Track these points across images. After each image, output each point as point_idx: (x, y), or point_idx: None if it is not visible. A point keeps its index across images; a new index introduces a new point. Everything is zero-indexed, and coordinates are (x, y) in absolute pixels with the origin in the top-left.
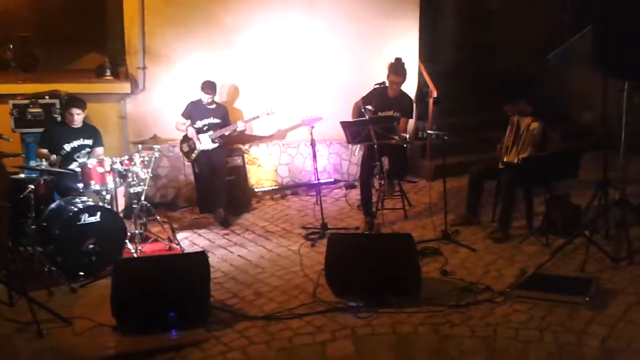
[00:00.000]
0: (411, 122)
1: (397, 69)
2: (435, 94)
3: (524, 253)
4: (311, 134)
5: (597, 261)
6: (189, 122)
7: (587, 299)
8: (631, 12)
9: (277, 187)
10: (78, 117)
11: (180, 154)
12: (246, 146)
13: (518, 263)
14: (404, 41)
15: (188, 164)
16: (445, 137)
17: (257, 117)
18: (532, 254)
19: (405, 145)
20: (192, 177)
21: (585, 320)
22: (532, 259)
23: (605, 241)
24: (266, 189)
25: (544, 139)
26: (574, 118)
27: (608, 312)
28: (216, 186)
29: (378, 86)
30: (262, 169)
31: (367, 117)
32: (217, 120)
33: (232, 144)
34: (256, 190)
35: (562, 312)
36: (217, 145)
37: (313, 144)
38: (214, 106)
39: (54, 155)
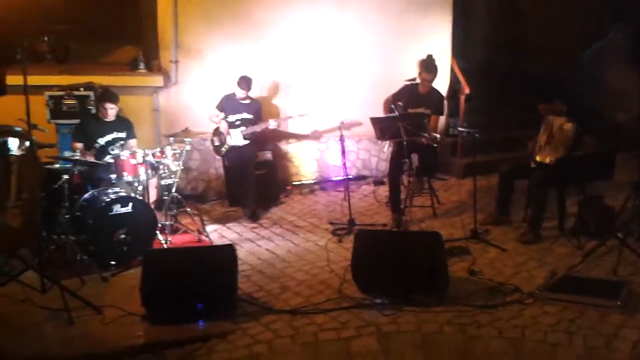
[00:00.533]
0: (442, 119)
1: (429, 66)
2: (467, 91)
3: (555, 254)
4: (341, 130)
5: (630, 264)
6: (222, 114)
7: (618, 302)
8: None
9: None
10: (111, 111)
11: (211, 147)
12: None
13: (549, 264)
14: (436, 37)
15: (218, 157)
16: (477, 135)
17: (291, 117)
18: (564, 255)
19: (435, 145)
20: (222, 171)
21: (615, 324)
22: (563, 261)
23: (639, 244)
24: (297, 182)
25: (577, 140)
26: (608, 117)
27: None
28: (245, 183)
29: (409, 82)
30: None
31: (397, 113)
32: (249, 116)
33: (266, 139)
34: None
35: (592, 315)
36: (247, 142)
37: (342, 139)
38: (247, 101)
39: (88, 152)
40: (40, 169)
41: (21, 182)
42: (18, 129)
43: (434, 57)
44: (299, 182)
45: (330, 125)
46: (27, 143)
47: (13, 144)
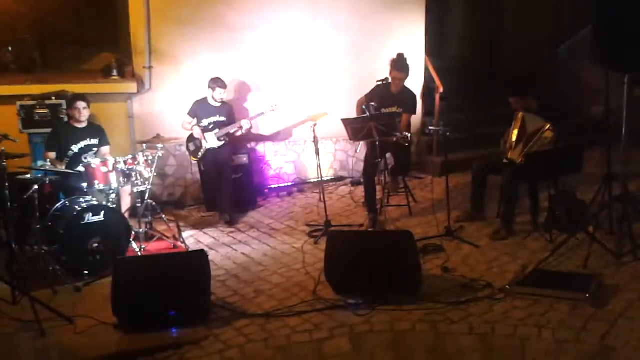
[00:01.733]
0: (418, 118)
1: (399, 65)
2: (441, 90)
3: (528, 249)
4: (314, 131)
5: (601, 257)
6: (195, 121)
7: (587, 295)
8: (629, 5)
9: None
10: (84, 111)
11: (187, 153)
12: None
13: (521, 259)
14: (410, 36)
15: (195, 162)
16: (447, 134)
17: (262, 113)
18: (536, 250)
19: (407, 144)
20: (199, 176)
21: (585, 317)
22: (535, 255)
23: (610, 237)
24: (275, 185)
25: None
26: (584, 112)
27: (609, 308)
28: (222, 187)
29: (381, 83)
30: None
31: (368, 114)
32: (222, 118)
33: (238, 143)
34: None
35: (562, 308)
36: (223, 143)
37: (316, 141)
38: (219, 104)
39: (60, 161)
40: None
41: None
42: None
43: (405, 55)
44: (275, 185)
45: (304, 126)
46: None
47: None
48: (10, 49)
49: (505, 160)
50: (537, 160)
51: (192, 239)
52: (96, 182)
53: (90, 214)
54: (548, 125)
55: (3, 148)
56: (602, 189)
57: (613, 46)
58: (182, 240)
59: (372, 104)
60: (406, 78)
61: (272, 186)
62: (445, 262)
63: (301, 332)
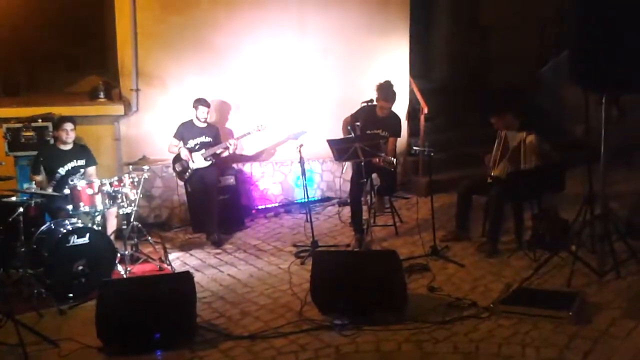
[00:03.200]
0: (403, 139)
1: (387, 94)
2: (426, 111)
3: (512, 268)
4: (300, 151)
5: (584, 275)
6: (181, 143)
7: (570, 313)
8: (605, 27)
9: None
10: (71, 132)
11: (174, 174)
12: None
13: (505, 278)
14: (394, 58)
15: (181, 184)
16: (432, 154)
17: (248, 133)
18: (520, 268)
19: (393, 169)
20: (185, 197)
21: (568, 335)
22: (519, 274)
23: (592, 255)
24: (262, 207)
25: (543, 147)
26: (567, 131)
27: (592, 326)
28: (208, 208)
29: (365, 104)
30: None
31: (353, 134)
32: (208, 139)
33: (225, 164)
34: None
35: (546, 326)
36: (210, 163)
37: (302, 161)
38: (205, 125)
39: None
40: None
41: None
42: None
43: (391, 82)
44: (263, 207)
45: (291, 147)
46: None
47: None
48: None
49: (489, 180)
50: (521, 179)
51: (179, 260)
52: (81, 204)
53: (76, 237)
54: (525, 132)
55: None
56: (583, 208)
57: (590, 66)
58: (168, 262)
59: (357, 124)
60: (392, 105)
61: (260, 207)
62: (431, 281)
63: (287, 354)
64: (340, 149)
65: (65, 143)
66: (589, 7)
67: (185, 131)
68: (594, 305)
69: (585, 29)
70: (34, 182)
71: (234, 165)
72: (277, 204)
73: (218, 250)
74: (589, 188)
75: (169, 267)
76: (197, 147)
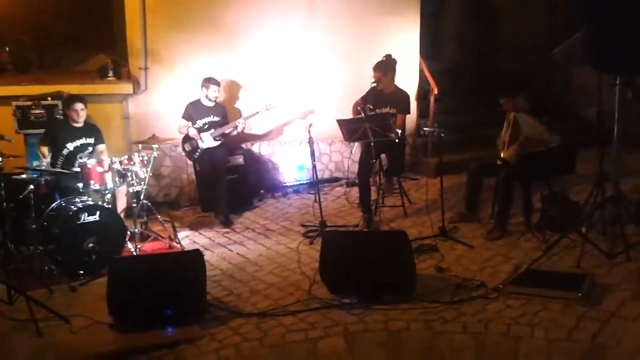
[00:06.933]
0: (412, 120)
1: (377, 65)
2: (436, 92)
3: (521, 249)
4: (309, 132)
5: (594, 257)
6: (189, 123)
7: (579, 294)
8: (619, 7)
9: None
10: (82, 112)
11: (183, 153)
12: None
13: (514, 259)
14: (404, 38)
15: (190, 163)
16: (442, 135)
17: (257, 112)
18: (529, 250)
19: (397, 141)
20: (194, 176)
21: (577, 316)
22: (528, 256)
23: (602, 237)
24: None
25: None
26: (578, 114)
27: (601, 307)
28: (217, 188)
29: (375, 84)
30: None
31: (363, 115)
32: (217, 118)
33: (233, 143)
34: None
35: (555, 307)
36: (219, 143)
37: (311, 142)
38: (213, 104)
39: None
40: None
41: None
42: None
43: (391, 56)
44: (272, 186)
45: (299, 128)
46: None
47: None
48: (7, 49)
49: (498, 161)
50: (531, 161)
51: (188, 239)
52: (92, 182)
53: (86, 214)
54: (543, 127)
55: None
56: (594, 190)
57: (604, 48)
58: (177, 240)
59: (369, 105)
60: (384, 77)
61: (288, 184)
62: (439, 262)
63: (296, 331)
64: (350, 129)
65: (76, 122)
66: None
67: (193, 111)
68: (603, 286)
69: (599, 10)
70: (43, 158)
71: (243, 145)
72: (285, 184)
73: (227, 229)
74: (600, 170)
75: (179, 245)
76: (206, 127)
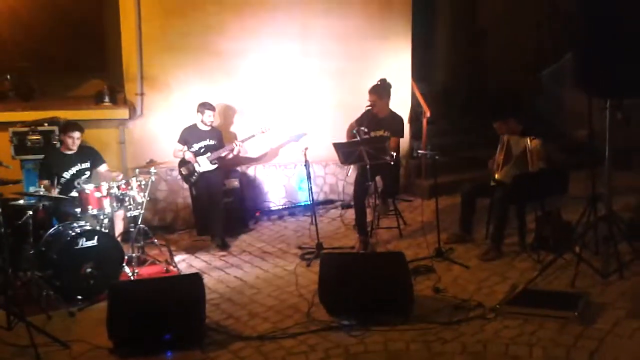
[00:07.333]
0: (405, 142)
1: (372, 88)
2: (428, 114)
3: (517, 269)
4: (305, 154)
5: (588, 276)
6: (185, 147)
7: (575, 313)
8: (609, 32)
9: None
10: (77, 140)
11: (179, 177)
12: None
13: (510, 279)
14: (396, 62)
15: (186, 187)
16: (436, 157)
17: (253, 136)
18: (524, 270)
19: (392, 163)
20: (189, 200)
21: (574, 335)
22: (524, 275)
23: (595, 257)
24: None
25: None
26: (569, 135)
27: (597, 326)
28: (214, 211)
29: (369, 108)
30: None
31: (358, 138)
32: (213, 142)
33: (231, 166)
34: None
35: (552, 326)
36: (215, 166)
37: (307, 164)
38: (209, 128)
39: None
40: None
41: None
42: None
43: (386, 80)
44: (267, 209)
45: (295, 150)
46: None
47: None
48: (8, 77)
49: (492, 183)
50: (525, 181)
51: (184, 263)
52: (90, 207)
53: (84, 239)
54: (528, 138)
55: None
56: (587, 210)
57: (594, 73)
58: (174, 264)
59: (363, 128)
60: (379, 100)
61: (272, 207)
62: (436, 282)
63: (297, 354)
64: (346, 152)
65: (69, 149)
66: (592, 11)
67: (189, 135)
68: (598, 305)
69: (587, 34)
70: (42, 187)
71: (238, 168)
72: (280, 207)
73: (223, 253)
74: (592, 190)
75: (176, 269)
76: (202, 151)
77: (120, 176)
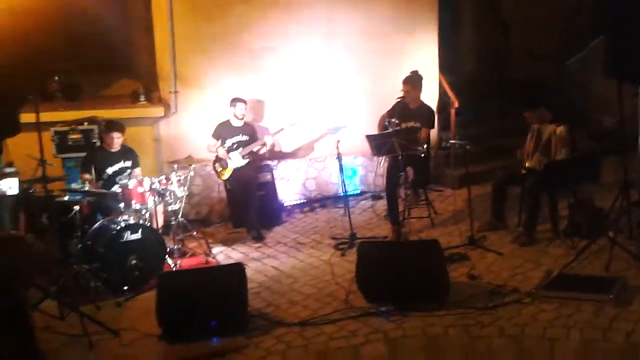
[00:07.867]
0: (434, 132)
1: (406, 78)
2: (456, 105)
3: (550, 256)
4: (337, 147)
5: (622, 260)
6: (219, 142)
7: (611, 296)
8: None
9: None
10: (118, 140)
11: (213, 172)
12: (274, 162)
13: (544, 265)
14: (424, 54)
15: (220, 181)
16: (467, 147)
17: (282, 129)
18: (558, 256)
19: (422, 155)
20: (224, 194)
21: (610, 317)
22: (558, 261)
23: (630, 241)
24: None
25: (573, 138)
26: (596, 122)
27: (632, 308)
28: (248, 205)
29: (400, 99)
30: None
31: (390, 129)
32: (245, 138)
33: (264, 160)
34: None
35: (588, 310)
36: (247, 161)
37: (339, 157)
38: (241, 124)
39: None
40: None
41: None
42: (10, 170)
43: (417, 72)
44: (299, 201)
45: (325, 143)
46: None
47: (8, 184)
48: (57, 78)
49: (523, 171)
50: (557, 169)
51: (222, 254)
52: (133, 201)
53: (129, 233)
54: (554, 125)
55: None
56: (619, 196)
57: (626, 59)
58: (213, 255)
59: (394, 120)
60: (414, 91)
61: (295, 202)
62: (470, 269)
63: (338, 339)
64: (378, 144)
65: (111, 147)
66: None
67: (223, 131)
68: (633, 288)
69: (620, 21)
70: (86, 182)
71: (270, 162)
72: (312, 199)
73: (259, 244)
74: (624, 176)
75: (215, 260)
76: (235, 147)
77: (147, 183)
